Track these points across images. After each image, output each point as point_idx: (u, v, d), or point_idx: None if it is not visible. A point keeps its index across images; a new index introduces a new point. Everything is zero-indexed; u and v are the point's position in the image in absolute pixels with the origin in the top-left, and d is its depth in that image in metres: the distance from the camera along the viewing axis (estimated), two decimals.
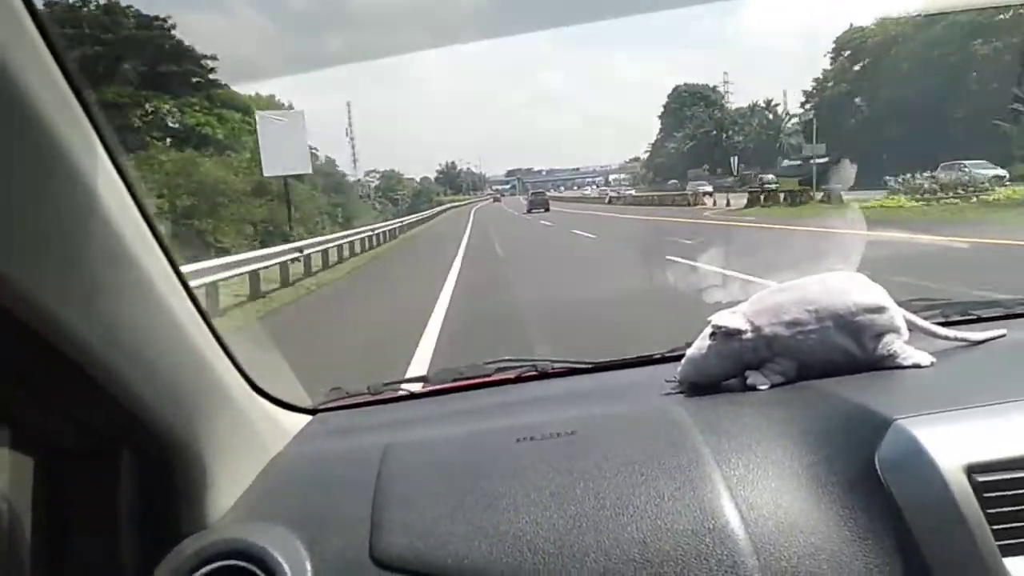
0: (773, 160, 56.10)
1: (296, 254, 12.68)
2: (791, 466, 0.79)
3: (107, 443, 0.74)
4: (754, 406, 0.93)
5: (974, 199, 18.75)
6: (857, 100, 45.81)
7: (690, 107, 71.25)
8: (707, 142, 67.01)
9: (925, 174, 20.88)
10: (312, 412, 1.19)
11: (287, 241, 16.03)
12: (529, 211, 40.20)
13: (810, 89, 54.09)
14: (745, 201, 27.04)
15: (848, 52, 50.17)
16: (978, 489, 0.70)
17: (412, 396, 1.28)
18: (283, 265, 12.09)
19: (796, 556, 0.70)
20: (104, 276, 0.61)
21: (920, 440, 0.73)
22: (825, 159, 28.29)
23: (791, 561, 0.70)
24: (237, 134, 29.15)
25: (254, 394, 0.98)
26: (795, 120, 59.99)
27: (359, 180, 57.47)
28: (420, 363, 4.67)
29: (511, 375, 1.27)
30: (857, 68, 48.79)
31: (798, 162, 47.64)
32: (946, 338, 1.06)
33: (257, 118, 21.19)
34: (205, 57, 30.60)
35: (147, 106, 27.89)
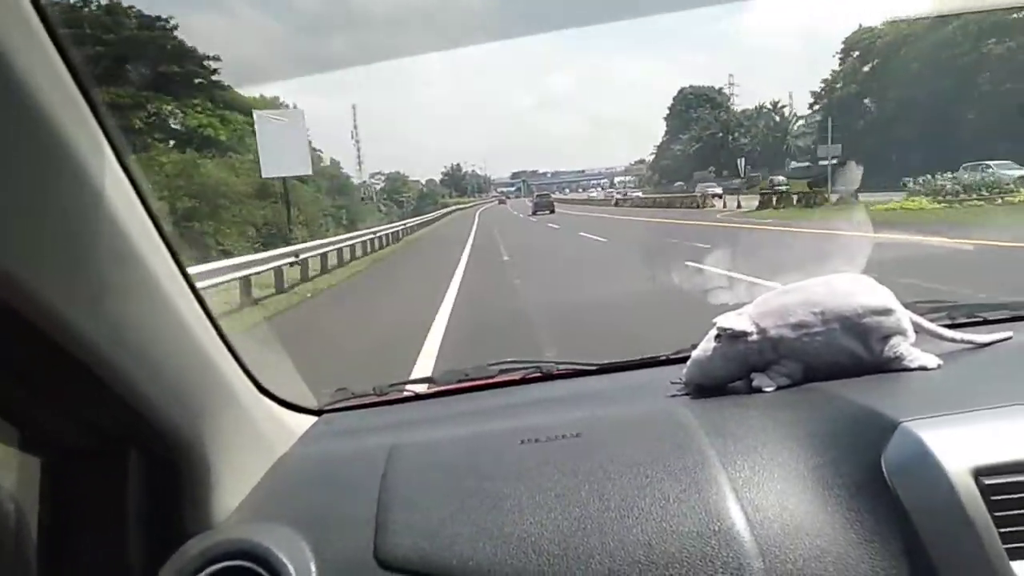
0: (780, 162, 55.53)
1: (292, 259, 11.89)
2: (797, 468, 0.79)
3: (113, 443, 0.74)
4: (760, 408, 0.92)
5: (999, 200, 17.92)
6: (866, 101, 45.05)
7: (696, 109, 70.77)
8: (713, 144, 66.42)
9: (947, 175, 20.01)
10: (317, 413, 1.18)
11: (290, 244, 15.66)
12: (534, 213, 40.14)
13: (818, 90, 53.36)
14: (757, 203, 26.18)
15: (857, 53, 49.60)
16: (985, 492, 0.69)
17: (417, 397, 1.27)
18: (278, 270, 11.31)
19: (802, 559, 0.70)
20: (111, 276, 0.62)
21: (927, 443, 0.73)
22: (836, 160, 27.49)
23: (797, 564, 0.70)
24: (240, 136, 28.62)
25: (260, 395, 0.98)
26: (801, 122, 59.17)
27: (364, 182, 57.12)
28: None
29: (516, 376, 1.26)
30: (867, 69, 48.24)
31: (806, 164, 46.95)
32: (952, 340, 1.04)
33: (255, 117, 20.44)
34: (208, 58, 30.31)
35: (148, 107, 27.43)
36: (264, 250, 14.05)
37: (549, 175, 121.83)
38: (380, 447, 0.95)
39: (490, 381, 1.27)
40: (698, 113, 70.39)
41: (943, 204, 18.54)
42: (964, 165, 22.54)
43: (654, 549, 0.72)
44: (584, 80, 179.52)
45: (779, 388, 0.98)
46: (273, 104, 31.73)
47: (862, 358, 0.97)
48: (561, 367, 1.28)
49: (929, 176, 20.35)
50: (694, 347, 1.06)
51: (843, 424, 0.83)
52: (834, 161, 27.25)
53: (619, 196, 57.32)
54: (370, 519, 0.80)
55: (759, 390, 0.98)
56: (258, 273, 10.66)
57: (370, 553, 0.76)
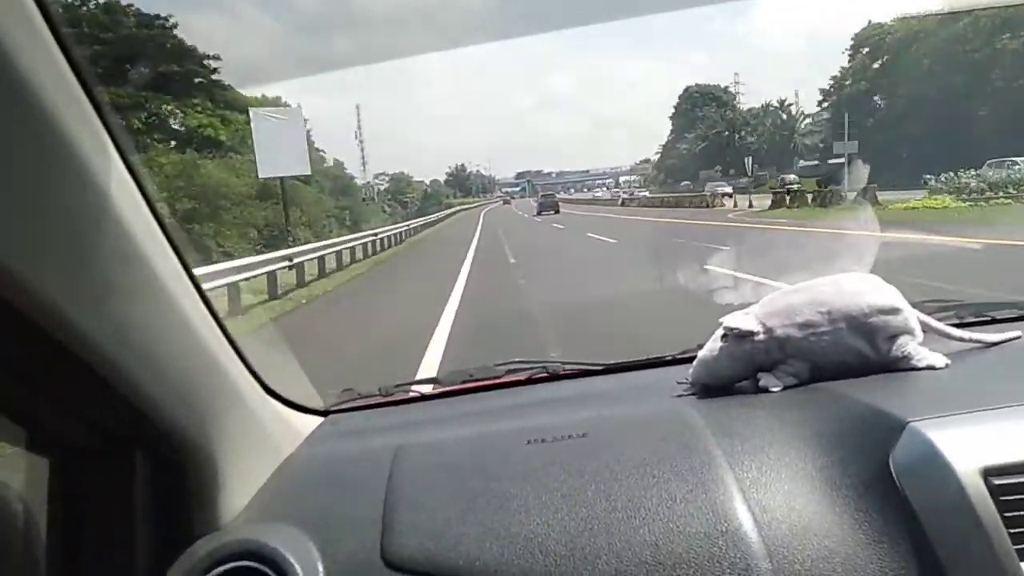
0: (788, 161, 54.89)
1: (285, 263, 11.10)
2: (804, 468, 0.78)
3: (120, 444, 0.75)
4: (767, 408, 0.92)
5: None
6: (876, 98, 44.02)
7: (701, 108, 70.13)
8: (719, 143, 65.70)
9: (970, 172, 19.09)
10: (324, 413, 1.18)
11: (293, 245, 15.23)
12: (539, 213, 40.00)
13: (827, 87, 52.45)
14: (769, 202, 25.27)
15: (867, 49, 48.93)
16: (995, 492, 0.69)
17: (423, 397, 1.27)
18: (271, 275, 10.53)
19: (810, 559, 0.70)
20: (115, 276, 0.62)
21: (935, 443, 0.73)
22: (842, 159, 26.62)
23: (804, 564, 0.70)
24: (241, 136, 28.11)
25: (266, 395, 0.98)
26: (808, 121, 58.27)
27: (368, 183, 56.53)
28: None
29: (522, 377, 1.26)
30: (877, 66, 47.50)
31: (815, 162, 46.07)
32: (961, 340, 1.04)
33: (251, 115, 19.60)
34: (208, 57, 29.93)
35: (147, 107, 26.84)
36: (266, 252, 13.55)
37: (554, 175, 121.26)
38: (386, 448, 0.95)
39: (496, 381, 1.26)
40: (704, 112, 69.73)
41: (968, 202, 17.66)
42: (988, 162, 21.73)
43: (661, 550, 0.72)
44: (587, 80, 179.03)
45: (786, 388, 0.97)
46: (275, 104, 31.03)
47: (869, 358, 0.96)
48: (567, 367, 1.27)
49: (952, 173, 19.46)
50: (700, 347, 1.05)
51: (851, 424, 0.83)
52: (844, 158, 26.35)
53: (625, 196, 56.77)
54: (376, 519, 0.80)
55: (766, 390, 0.98)
56: (247, 279, 9.88)
57: (377, 553, 0.76)
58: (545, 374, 1.26)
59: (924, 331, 0.99)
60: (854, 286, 0.98)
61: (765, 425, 0.87)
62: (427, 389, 1.30)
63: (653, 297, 7.23)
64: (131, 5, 27.19)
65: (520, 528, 0.75)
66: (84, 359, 0.60)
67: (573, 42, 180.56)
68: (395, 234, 24.22)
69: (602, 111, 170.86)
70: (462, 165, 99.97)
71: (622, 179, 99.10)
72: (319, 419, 1.16)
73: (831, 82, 53.18)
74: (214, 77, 29.80)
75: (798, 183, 30.92)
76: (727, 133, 66.21)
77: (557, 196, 54.06)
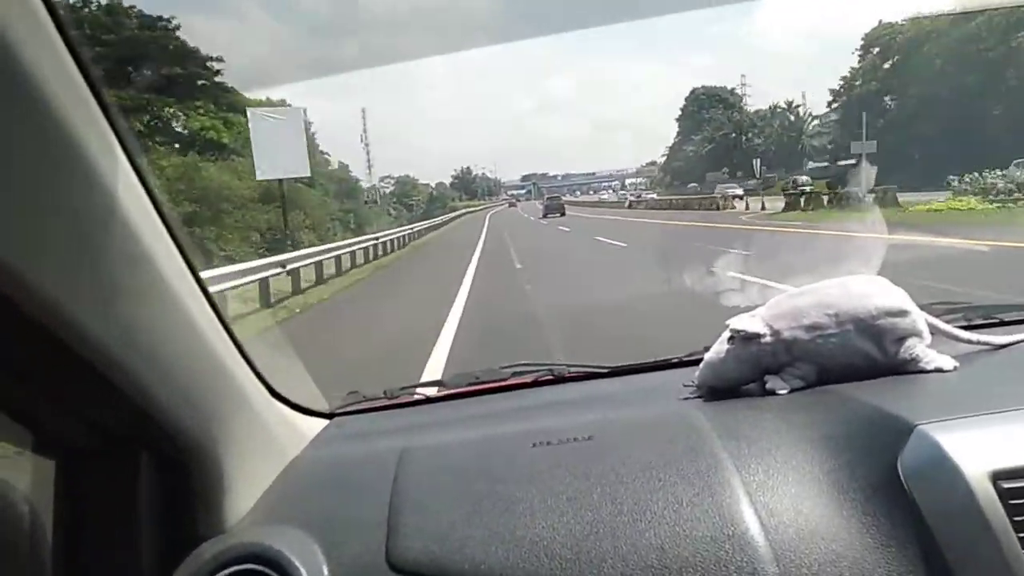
0: (796, 162, 54.12)
1: (278, 269, 10.36)
2: (812, 471, 0.78)
3: (125, 445, 0.75)
4: (773, 411, 0.91)
5: None
6: (887, 98, 43.08)
7: (708, 109, 69.49)
8: (726, 144, 64.98)
9: (997, 172, 18.26)
10: (329, 416, 1.18)
11: (293, 249, 14.74)
12: (545, 216, 39.90)
13: (837, 88, 51.50)
14: (783, 204, 24.39)
15: (877, 49, 48.08)
16: (1003, 496, 0.68)
17: (428, 400, 1.27)
18: (263, 283, 9.79)
19: (817, 563, 0.70)
20: (122, 278, 0.62)
21: (943, 446, 0.72)
22: (852, 161, 25.79)
23: (812, 568, 0.69)
24: (244, 138, 27.49)
25: (271, 398, 0.98)
26: (816, 122, 57.38)
27: (374, 186, 56.05)
28: None
29: (527, 379, 1.26)
30: (887, 66, 46.49)
31: (824, 163, 45.22)
32: (969, 342, 1.03)
33: (249, 115, 18.90)
34: (211, 59, 29.39)
35: (149, 110, 26.32)
36: (269, 255, 12.97)
37: (559, 177, 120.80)
38: (391, 450, 0.95)
39: (501, 384, 1.26)
40: (710, 114, 69.17)
41: (996, 204, 16.82)
42: (1016, 161, 21.15)
43: (667, 553, 0.71)
44: (592, 82, 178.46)
45: (793, 390, 0.97)
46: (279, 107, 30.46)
47: (877, 360, 0.96)
48: (573, 370, 1.26)
49: (976, 174, 18.63)
50: (707, 349, 1.05)
51: (858, 427, 0.82)
52: (861, 158, 25.49)
53: (632, 198, 56.21)
54: (381, 522, 0.80)
55: (772, 392, 0.97)
56: (235, 287, 9.14)
57: (382, 556, 0.76)
58: (551, 377, 1.25)
59: (932, 333, 0.99)
60: (861, 288, 0.98)
61: (772, 428, 0.86)
62: (432, 392, 1.29)
63: (670, 307, 6.43)
64: (133, 6, 27.40)
65: (525, 531, 0.75)
66: (90, 360, 0.60)
67: (577, 44, 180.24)
68: (398, 238, 23.71)
69: (607, 113, 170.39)
70: (467, 168, 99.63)
71: (628, 181, 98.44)
72: (324, 422, 1.16)
73: (841, 82, 52.67)
74: (217, 79, 29.56)
75: (811, 184, 30.12)
76: (734, 135, 65.60)
77: (563, 198, 53.45)
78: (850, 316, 0.95)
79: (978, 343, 1.03)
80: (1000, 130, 34.26)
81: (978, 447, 0.72)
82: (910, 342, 0.96)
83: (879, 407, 0.83)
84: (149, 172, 0.66)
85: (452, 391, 1.27)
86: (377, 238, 20.15)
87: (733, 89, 70.42)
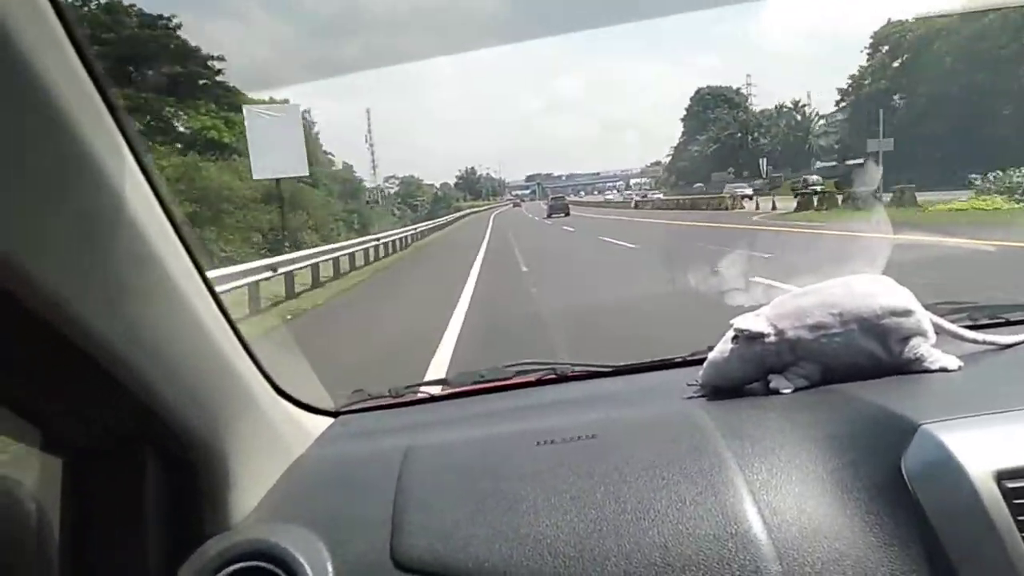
0: (802, 162, 53.26)
1: (268, 273, 9.66)
2: (815, 471, 0.78)
3: (131, 444, 0.75)
4: (777, 410, 0.91)
5: None
6: (896, 97, 42.18)
7: (713, 109, 68.84)
8: (732, 144, 64.28)
9: (1022, 171, 17.40)
10: (334, 414, 1.19)
11: (290, 251, 14.28)
12: (549, 216, 39.83)
13: (845, 86, 50.54)
14: (795, 204, 23.56)
15: (887, 48, 47.00)
16: (1008, 495, 0.68)
17: (433, 399, 1.27)
18: (252, 287, 9.11)
19: (820, 562, 0.70)
20: (128, 276, 0.63)
21: (948, 446, 0.72)
22: (860, 161, 25.01)
23: (815, 567, 0.69)
24: (246, 138, 26.70)
25: (277, 396, 0.99)
26: (823, 122, 56.56)
27: (379, 186, 55.52)
28: None
29: (531, 378, 1.26)
30: (897, 64, 45.45)
31: (832, 163, 44.40)
32: (974, 341, 1.03)
33: (245, 113, 18.18)
34: (212, 58, 28.76)
35: (149, 109, 25.74)
36: (271, 256, 12.51)
37: (564, 178, 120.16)
38: (396, 449, 0.95)
39: (505, 383, 1.26)
40: (716, 113, 68.50)
41: (1022, 203, 15.95)
42: None
43: (670, 552, 0.72)
44: (597, 83, 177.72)
45: (797, 390, 0.97)
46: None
47: (881, 359, 0.96)
48: (576, 369, 1.26)
49: (1000, 172, 17.81)
50: (710, 349, 1.05)
51: (862, 426, 0.82)
52: (860, 160, 24.74)
53: (638, 198, 55.53)
54: (386, 520, 0.80)
55: (776, 392, 0.97)
56: (223, 292, 8.45)
57: (386, 554, 0.76)
58: (554, 376, 1.25)
59: (937, 333, 0.99)
60: (865, 288, 0.98)
61: (776, 427, 0.86)
62: (437, 390, 1.29)
63: (690, 314, 5.70)
64: (133, 5, 27.11)
65: (529, 529, 0.75)
66: (97, 358, 0.60)
67: (582, 45, 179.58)
68: (400, 238, 23.21)
69: (612, 113, 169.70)
70: (472, 168, 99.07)
71: (632, 182, 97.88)
72: (329, 420, 1.16)
73: (849, 81, 51.94)
74: (219, 79, 29.19)
75: (822, 184, 29.31)
76: (740, 135, 64.98)
77: (567, 199, 53.04)
78: (854, 315, 0.95)
79: (983, 343, 1.03)
80: (1010, 129, 33.62)
81: (982, 447, 0.71)
82: (915, 341, 0.95)
83: (883, 406, 0.83)
84: (155, 172, 0.66)
85: (456, 390, 1.27)
86: (378, 239, 19.58)
87: (738, 89, 70.09)
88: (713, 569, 0.69)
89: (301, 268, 11.88)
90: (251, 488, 0.85)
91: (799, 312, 0.97)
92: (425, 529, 0.77)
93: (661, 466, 0.80)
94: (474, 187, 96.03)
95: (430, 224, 35.14)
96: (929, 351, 0.96)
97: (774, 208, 26.41)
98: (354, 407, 1.21)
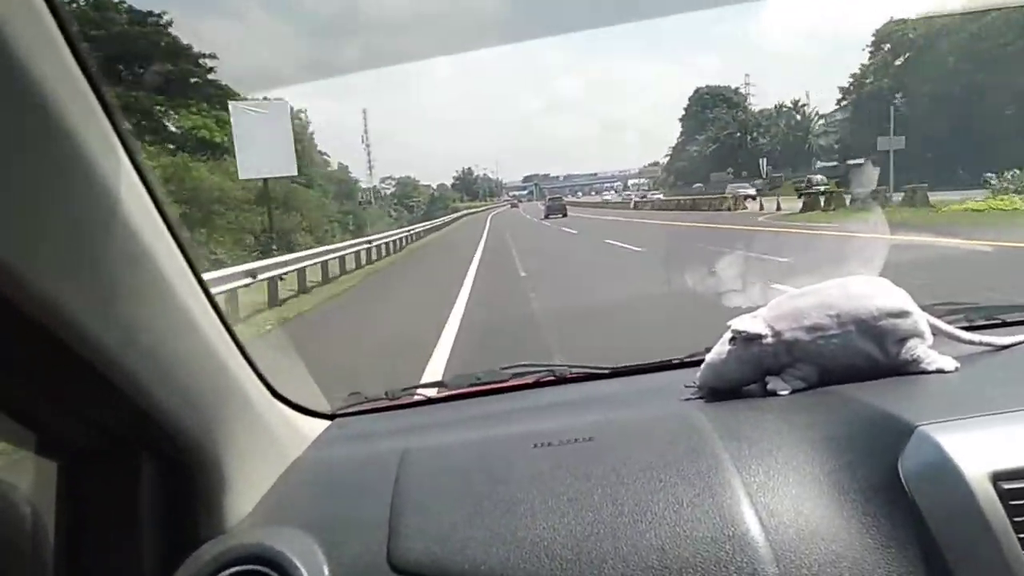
0: (803, 162, 52.68)
1: (247, 280, 8.89)
2: (812, 472, 0.78)
3: (126, 447, 0.75)
4: (775, 411, 0.91)
5: None
6: (899, 96, 41.52)
7: (712, 109, 68.37)
8: (731, 144, 63.79)
9: None
10: (330, 417, 1.19)
11: (278, 254, 13.59)
12: (546, 217, 39.49)
13: (847, 85, 49.92)
14: (801, 205, 22.82)
15: (889, 46, 46.24)
16: (1004, 497, 0.69)
17: (430, 401, 1.27)
18: (232, 294, 8.34)
19: (817, 564, 0.70)
20: (122, 278, 0.63)
21: (944, 447, 0.72)
22: (860, 161, 24.35)
23: (812, 569, 0.70)
24: None
25: (273, 399, 0.99)
26: (822, 121, 56.01)
27: (375, 187, 54.85)
28: None
29: (529, 380, 1.26)
30: (899, 62, 44.81)
31: (834, 163, 43.82)
32: (971, 343, 1.03)
33: (231, 109, 17.33)
34: (204, 56, 27.88)
35: (138, 108, 24.97)
36: (263, 259, 11.94)
37: (561, 178, 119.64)
38: (392, 451, 0.95)
39: (502, 385, 1.26)
40: (715, 113, 68.08)
41: None
42: None
43: (667, 554, 0.72)
44: (595, 83, 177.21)
45: (794, 391, 0.97)
46: None
47: (878, 361, 0.96)
48: (574, 371, 1.26)
49: (1017, 170, 17.18)
50: (708, 350, 1.05)
51: (859, 428, 0.82)
52: (860, 160, 24.09)
53: (637, 198, 54.76)
54: (383, 523, 0.80)
55: (774, 393, 0.98)
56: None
57: (383, 557, 0.76)
58: (552, 378, 1.25)
59: (934, 334, 0.99)
60: (862, 289, 0.98)
61: (773, 429, 0.86)
62: (433, 393, 1.29)
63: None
64: (123, 1, 26.33)
65: (526, 532, 0.75)
66: (91, 360, 0.60)
67: (581, 45, 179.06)
68: (395, 240, 22.68)
69: (610, 114, 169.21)
70: (469, 169, 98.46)
71: (630, 182, 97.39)
72: (326, 423, 1.16)
73: (851, 79, 51.31)
74: (210, 77, 28.34)
75: (827, 184, 28.59)
76: (739, 135, 64.55)
77: (565, 199, 52.44)
78: (851, 317, 0.95)
79: (980, 344, 1.03)
80: (1012, 129, 33.24)
81: (979, 448, 0.72)
82: (911, 343, 0.96)
83: (880, 408, 0.84)
84: (150, 172, 0.66)
85: (453, 392, 1.27)
86: (371, 242, 18.87)
87: (737, 88, 69.74)
88: (710, 571, 0.69)
89: (288, 272, 11.12)
90: (247, 491, 0.85)
91: (796, 313, 0.97)
92: (422, 532, 0.77)
93: (658, 468, 0.80)
94: (471, 188, 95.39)
95: (427, 225, 34.72)
96: (926, 352, 0.96)
97: (779, 209, 25.79)
98: (350, 410, 1.21)
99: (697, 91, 72.48)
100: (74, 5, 24.80)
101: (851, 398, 0.88)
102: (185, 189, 20.30)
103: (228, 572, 0.73)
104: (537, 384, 1.23)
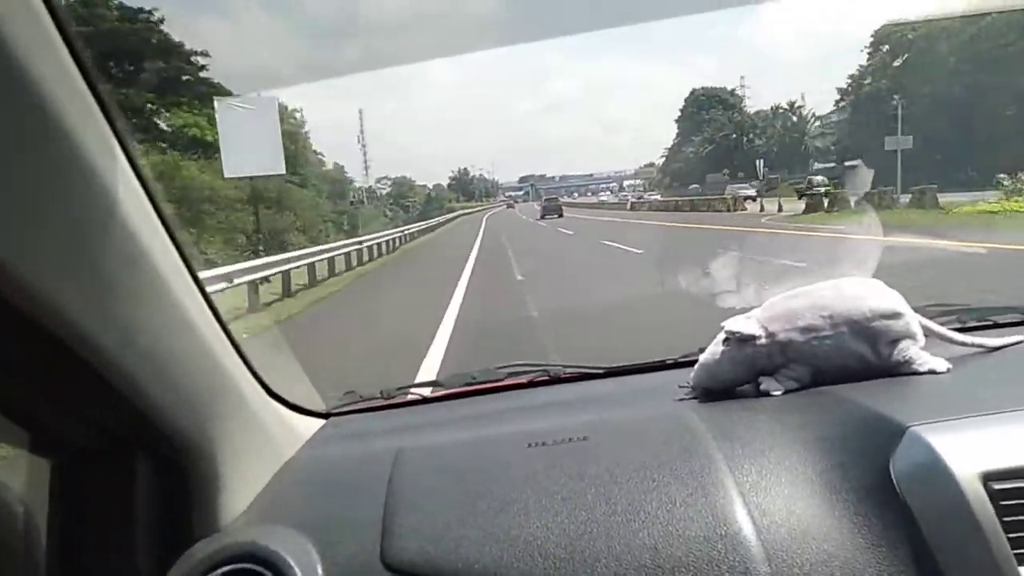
0: (799, 163, 52.19)
1: (223, 284, 8.20)
2: (805, 472, 0.79)
3: (121, 445, 0.76)
4: (768, 412, 0.92)
5: None
6: (897, 97, 41.02)
7: (708, 111, 68.00)
8: (727, 146, 63.36)
9: None
10: (325, 416, 1.19)
11: (263, 255, 13.29)
12: (542, 217, 39.30)
13: (845, 86, 49.49)
14: (803, 206, 22.27)
15: (887, 47, 45.71)
16: (994, 497, 0.69)
17: (424, 400, 1.27)
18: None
19: (809, 563, 0.70)
20: (119, 277, 0.63)
21: (935, 447, 0.73)
22: (856, 162, 23.83)
23: (803, 568, 0.70)
24: None
25: (268, 398, 0.99)
26: (818, 123, 55.56)
27: (369, 187, 54.20)
28: None
29: (523, 380, 1.26)
30: (898, 64, 44.33)
31: (831, 164, 43.32)
32: (963, 344, 1.04)
33: (216, 106, 16.62)
34: (196, 54, 27.28)
35: (127, 105, 24.25)
36: (255, 260, 11.57)
37: (557, 179, 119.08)
38: (387, 450, 0.95)
39: (497, 384, 1.26)
40: (710, 115, 67.70)
41: None
42: None
43: (660, 553, 0.72)
44: (591, 84, 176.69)
45: (787, 392, 0.98)
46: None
47: (871, 362, 0.97)
48: (568, 371, 1.26)
49: None
50: (701, 351, 1.06)
51: (852, 428, 0.83)
52: (855, 162, 23.56)
53: (634, 199, 54.15)
54: (376, 522, 0.80)
55: (767, 394, 0.98)
56: None
57: (376, 556, 0.76)
58: (546, 377, 1.25)
59: (926, 335, 1.00)
60: (855, 290, 0.99)
61: (766, 429, 0.87)
62: (428, 392, 1.28)
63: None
64: None
65: (520, 531, 0.76)
66: (87, 359, 0.60)
67: (577, 46, 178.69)
68: (387, 241, 22.21)
69: (606, 115, 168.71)
70: (465, 169, 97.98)
71: (626, 183, 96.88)
72: (320, 421, 1.16)
73: (849, 81, 51.02)
74: (202, 75, 27.81)
75: (827, 184, 28.01)
76: (735, 136, 64.17)
77: (561, 200, 51.97)
78: (844, 318, 0.96)
79: (972, 345, 1.04)
80: (1011, 131, 32.88)
81: (970, 449, 0.72)
82: (904, 344, 0.96)
83: (872, 409, 0.84)
84: (148, 172, 0.66)
85: (448, 391, 1.27)
86: (361, 243, 18.40)
87: (733, 90, 69.40)
88: (703, 570, 0.70)
89: (273, 274, 10.44)
90: (241, 490, 0.85)
91: (790, 314, 0.98)
92: (416, 531, 0.78)
93: (652, 468, 0.81)
94: (467, 188, 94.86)
95: (422, 225, 34.40)
96: (918, 354, 0.97)
97: (780, 210, 25.28)
98: (345, 409, 1.22)
99: (693, 92, 72.37)
100: (63, 1, 24.24)
101: (844, 399, 0.89)
102: (175, 188, 19.97)
103: (222, 571, 0.73)
104: (531, 384, 1.24)
